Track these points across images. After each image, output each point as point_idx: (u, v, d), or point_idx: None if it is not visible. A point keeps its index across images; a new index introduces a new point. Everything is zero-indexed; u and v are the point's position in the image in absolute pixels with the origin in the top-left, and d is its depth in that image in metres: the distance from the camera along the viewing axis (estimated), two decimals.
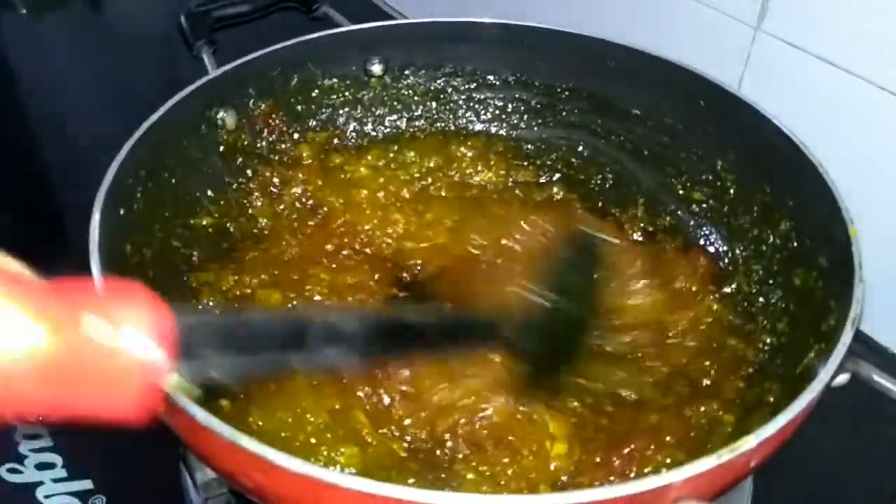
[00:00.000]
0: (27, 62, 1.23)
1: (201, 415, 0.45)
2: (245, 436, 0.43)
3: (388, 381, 0.59)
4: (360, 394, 0.58)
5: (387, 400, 0.58)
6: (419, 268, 0.73)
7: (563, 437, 0.55)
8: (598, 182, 0.82)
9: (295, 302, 0.66)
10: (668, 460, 0.55)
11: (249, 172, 0.76)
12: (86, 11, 1.35)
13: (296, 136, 0.80)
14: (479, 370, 0.60)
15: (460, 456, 0.55)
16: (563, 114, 0.84)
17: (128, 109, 1.06)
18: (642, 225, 0.77)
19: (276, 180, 0.77)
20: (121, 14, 1.36)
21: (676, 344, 0.65)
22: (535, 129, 0.85)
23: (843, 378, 0.51)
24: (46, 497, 0.67)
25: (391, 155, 0.82)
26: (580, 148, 0.83)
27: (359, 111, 0.84)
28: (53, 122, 1.12)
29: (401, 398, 0.58)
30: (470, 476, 0.53)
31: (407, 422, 0.57)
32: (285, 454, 0.41)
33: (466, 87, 0.85)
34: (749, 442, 0.44)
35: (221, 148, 0.74)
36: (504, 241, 0.73)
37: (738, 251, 0.71)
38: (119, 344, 0.25)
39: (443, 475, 0.52)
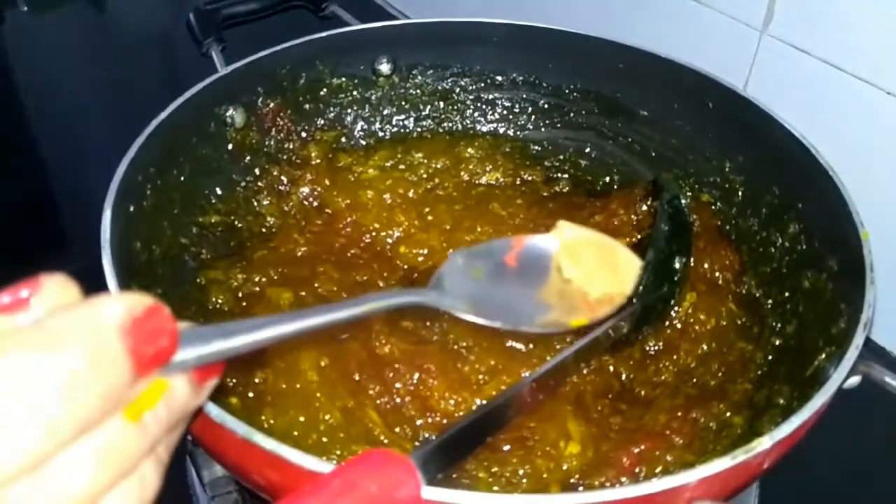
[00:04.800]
0: (28, 60, 1.23)
1: (215, 412, 0.45)
2: (260, 433, 0.43)
3: (400, 381, 0.59)
4: (372, 392, 0.58)
5: (398, 399, 0.58)
6: (426, 267, 0.73)
7: (578, 436, 0.55)
8: (606, 183, 0.82)
9: (306, 299, 0.65)
10: (677, 461, 0.55)
11: (258, 171, 0.76)
12: (87, 10, 1.35)
13: (303, 134, 0.80)
14: (495, 376, 0.60)
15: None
16: (571, 115, 0.84)
17: (129, 110, 1.06)
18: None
19: (284, 179, 0.77)
20: (123, 13, 1.35)
21: (686, 346, 0.65)
22: (543, 129, 0.85)
23: (854, 380, 0.51)
24: None
25: (399, 155, 0.82)
26: (588, 149, 0.84)
27: (367, 110, 0.84)
28: (55, 121, 1.12)
29: (412, 399, 0.58)
30: (482, 475, 0.53)
31: (419, 422, 0.57)
32: (301, 452, 0.41)
33: (474, 87, 0.85)
34: (764, 443, 0.44)
35: (230, 146, 0.74)
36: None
37: (746, 253, 0.72)
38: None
39: (454, 475, 0.52)
